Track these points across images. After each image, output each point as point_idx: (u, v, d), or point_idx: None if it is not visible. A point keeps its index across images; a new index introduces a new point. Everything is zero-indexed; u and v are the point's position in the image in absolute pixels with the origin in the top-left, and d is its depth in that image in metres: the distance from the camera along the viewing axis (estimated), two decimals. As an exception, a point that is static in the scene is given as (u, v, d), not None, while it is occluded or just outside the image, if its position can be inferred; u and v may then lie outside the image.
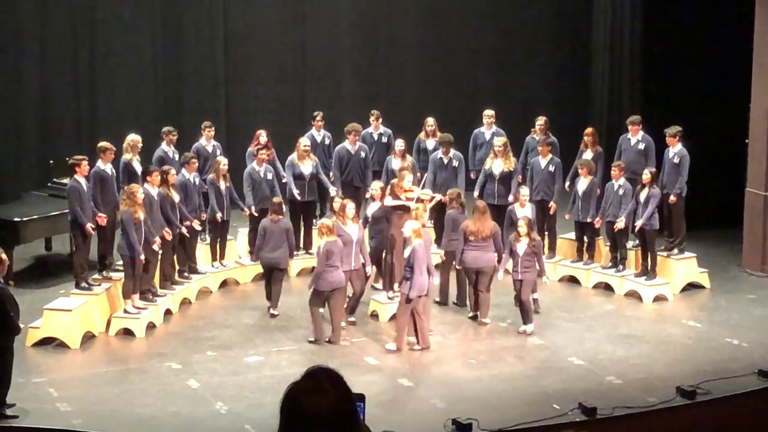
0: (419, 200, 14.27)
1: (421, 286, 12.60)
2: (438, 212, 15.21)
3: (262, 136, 15.74)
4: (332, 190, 15.48)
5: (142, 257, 13.10)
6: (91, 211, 13.65)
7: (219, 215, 14.78)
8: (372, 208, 14.36)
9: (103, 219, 13.83)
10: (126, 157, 14.71)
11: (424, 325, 12.86)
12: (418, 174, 15.38)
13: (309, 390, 3.38)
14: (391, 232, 14.12)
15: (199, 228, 14.72)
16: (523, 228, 13.33)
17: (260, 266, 14.45)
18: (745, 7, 15.69)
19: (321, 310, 13.07)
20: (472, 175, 16.08)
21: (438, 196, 14.80)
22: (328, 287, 12.92)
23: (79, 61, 18.26)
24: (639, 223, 14.43)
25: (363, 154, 16.07)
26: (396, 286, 13.75)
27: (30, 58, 17.79)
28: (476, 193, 15.43)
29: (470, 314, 13.83)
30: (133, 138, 14.85)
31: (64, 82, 18.21)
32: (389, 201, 14.21)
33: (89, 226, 13.51)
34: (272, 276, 13.95)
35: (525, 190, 14.60)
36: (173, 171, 14.20)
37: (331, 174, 15.94)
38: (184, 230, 14.17)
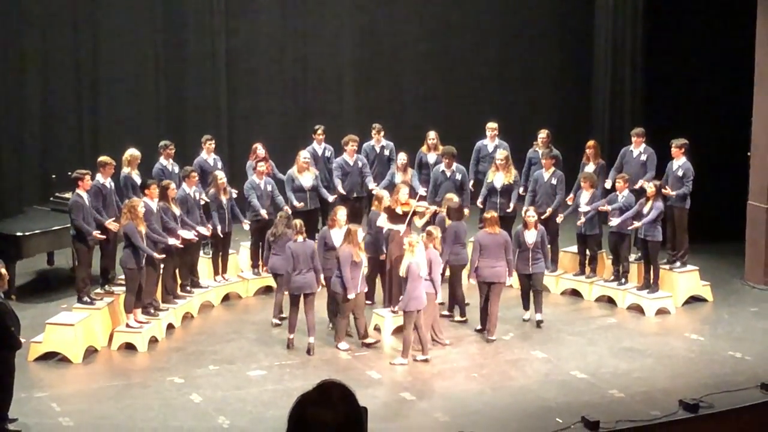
0: (416, 213, 14.25)
1: (418, 299, 12.63)
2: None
3: (259, 149, 15.79)
4: (330, 198, 15.58)
5: (157, 255, 13.30)
6: (95, 224, 13.62)
7: (220, 229, 14.79)
8: (380, 219, 14.19)
9: (115, 226, 13.73)
10: (125, 171, 14.74)
11: (425, 335, 12.87)
12: (424, 190, 15.23)
13: (318, 402, 3.41)
14: (390, 248, 14.05)
15: (206, 233, 14.57)
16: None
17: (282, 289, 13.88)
18: (747, 20, 15.70)
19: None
20: (471, 187, 16.02)
21: (434, 208, 14.67)
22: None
23: (81, 76, 18.33)
24: (639, 224, 14.40)
25: (360, 164, 16.10)
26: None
27: (32, 74, 17.85)
28: (480, 204, 15.45)
29: (477, 327, 13.81)
30: (132, 152, 14.87)
31: (66, 97, 18.27)
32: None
33: (96, 233, 13.49)
34: (305, 301, 13.21)
35: (532, 212, 14.29)
36: (173, 185, 14.20)
37: (334, 182, 15.99)
38: (192, 236, 14.16)
